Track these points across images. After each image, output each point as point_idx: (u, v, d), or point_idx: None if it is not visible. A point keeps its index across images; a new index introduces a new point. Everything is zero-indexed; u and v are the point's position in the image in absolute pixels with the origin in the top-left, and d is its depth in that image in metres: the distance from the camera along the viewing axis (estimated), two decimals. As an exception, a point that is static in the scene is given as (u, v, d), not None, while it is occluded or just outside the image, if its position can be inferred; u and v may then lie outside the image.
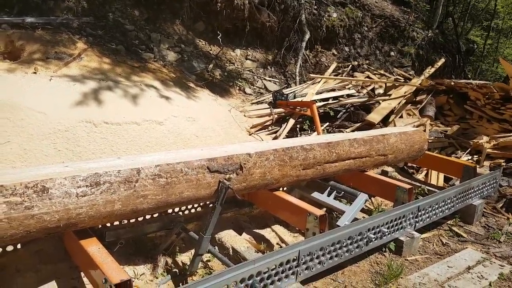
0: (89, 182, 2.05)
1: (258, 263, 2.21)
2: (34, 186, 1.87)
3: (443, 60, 8.94)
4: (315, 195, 3.50)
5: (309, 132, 5.86)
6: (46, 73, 4.44)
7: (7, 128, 3.54)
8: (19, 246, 2.49)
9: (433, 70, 8.17)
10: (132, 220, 2.83)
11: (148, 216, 2.90)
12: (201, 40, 7.88)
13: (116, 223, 2.71)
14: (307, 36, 8.14)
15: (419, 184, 4.46)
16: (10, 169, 3.07)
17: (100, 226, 2.54)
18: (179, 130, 4.81)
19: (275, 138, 5.66)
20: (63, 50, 5.02)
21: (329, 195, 3.48)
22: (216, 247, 2.87)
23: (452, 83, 6.64)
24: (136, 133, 4.31)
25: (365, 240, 2.86)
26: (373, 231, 2.92)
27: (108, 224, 2.65)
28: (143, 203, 2.28)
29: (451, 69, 11.07)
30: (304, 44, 8.08)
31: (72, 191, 1.98)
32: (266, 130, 5.92)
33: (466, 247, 3.48)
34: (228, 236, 3.11)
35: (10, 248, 2.46)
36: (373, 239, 2.90)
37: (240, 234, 3.24)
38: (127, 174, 2.21)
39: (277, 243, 3.24)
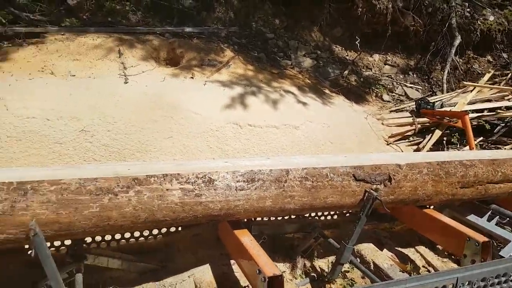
0: (246, 178, 2.18)
1: (410, 284, 2.03)
2: (203, 177, 2.07)
3: None
4: (472, 218, 3.07)
5: (458, 146, 5.23)
6: (201, 78, 4.98)
7: (171, 125, 4.06)
8: (179, 228, 2.80)
9: None
10: (272, 218, 2.92)
11: (286, 216, 2.96)
12: (338, 46, 7.81)
13: (258, 218, 2.82)
14: (458, 41, 7.32)
15: None
16: (182, 160, 3.48)
17: (245, 219, 2.68)
18: (314, 135, 4.84)
19: (417, 150, 5.22)
20: (215, 57, 5.55)
21: (489, 220, 3.02)
22: (358, 259, 2.76)
23: None
24: (275, 136, 4.48)
25: (540, 278, 2.38)
26: (551, 269, 2.41)
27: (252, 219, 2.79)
28: (290, 203, 2.33)
29: None
30: (453, 49, 7.28)
31: (232, 185, 2.13)
32: (407, 140, 5.50)
33: None
34: (369, 250, 2.96)
35: (173, 229, 2.78)
36: (551, 279, 2.39)
37: (381, 250, 3.05)
38: (277, 174, 2.28)
39: (423, 266, 2.94)
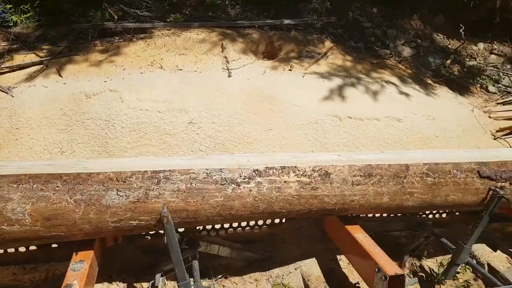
0: (363, 172, 2.14)
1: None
2: (319, 170, 2.08)
3: None
4: None
5: None
6: (299, 71, 4.98)
7: (271, 118, 4.15)
8: (283, 220, 2.83)
9: None
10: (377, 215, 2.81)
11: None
12: (439, 34, 7.25)
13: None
14: None
15: None
16: (298, 153, 3.34)
17: (353, 214, 2.62)
18: (418, 129, 4.55)
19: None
20: (313, 49, 5.51)
21: None
22: (474, 260, 2.55)
23: None
24: (376, 129, 4.31)
25: None
26: None
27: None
28: (409, 200, 2.23)
29: None
30: None
31: (348, 179, 2.11)
32: (517, 135, 4.91)
33: None
34: (482, 251, 2.76)
35: (277, 220, 2.83)
36: None
37: (494, 251, 2.81)
38: (396, 169, 2.20)
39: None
